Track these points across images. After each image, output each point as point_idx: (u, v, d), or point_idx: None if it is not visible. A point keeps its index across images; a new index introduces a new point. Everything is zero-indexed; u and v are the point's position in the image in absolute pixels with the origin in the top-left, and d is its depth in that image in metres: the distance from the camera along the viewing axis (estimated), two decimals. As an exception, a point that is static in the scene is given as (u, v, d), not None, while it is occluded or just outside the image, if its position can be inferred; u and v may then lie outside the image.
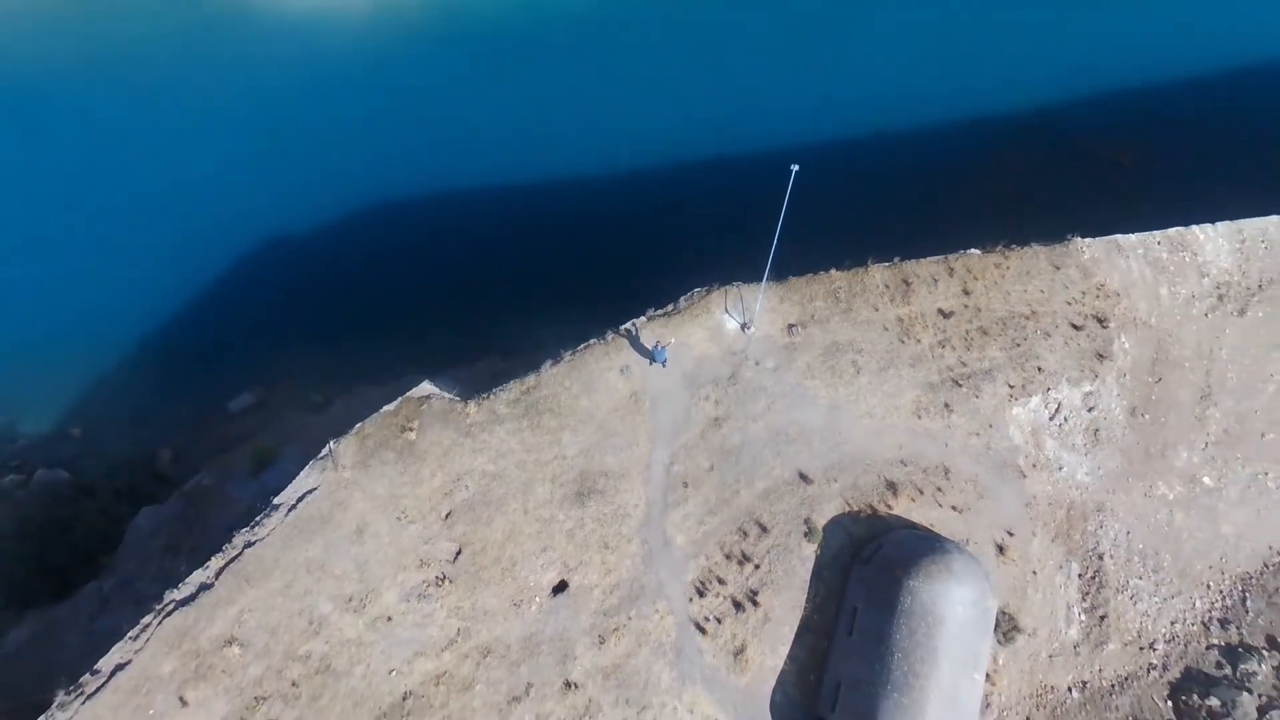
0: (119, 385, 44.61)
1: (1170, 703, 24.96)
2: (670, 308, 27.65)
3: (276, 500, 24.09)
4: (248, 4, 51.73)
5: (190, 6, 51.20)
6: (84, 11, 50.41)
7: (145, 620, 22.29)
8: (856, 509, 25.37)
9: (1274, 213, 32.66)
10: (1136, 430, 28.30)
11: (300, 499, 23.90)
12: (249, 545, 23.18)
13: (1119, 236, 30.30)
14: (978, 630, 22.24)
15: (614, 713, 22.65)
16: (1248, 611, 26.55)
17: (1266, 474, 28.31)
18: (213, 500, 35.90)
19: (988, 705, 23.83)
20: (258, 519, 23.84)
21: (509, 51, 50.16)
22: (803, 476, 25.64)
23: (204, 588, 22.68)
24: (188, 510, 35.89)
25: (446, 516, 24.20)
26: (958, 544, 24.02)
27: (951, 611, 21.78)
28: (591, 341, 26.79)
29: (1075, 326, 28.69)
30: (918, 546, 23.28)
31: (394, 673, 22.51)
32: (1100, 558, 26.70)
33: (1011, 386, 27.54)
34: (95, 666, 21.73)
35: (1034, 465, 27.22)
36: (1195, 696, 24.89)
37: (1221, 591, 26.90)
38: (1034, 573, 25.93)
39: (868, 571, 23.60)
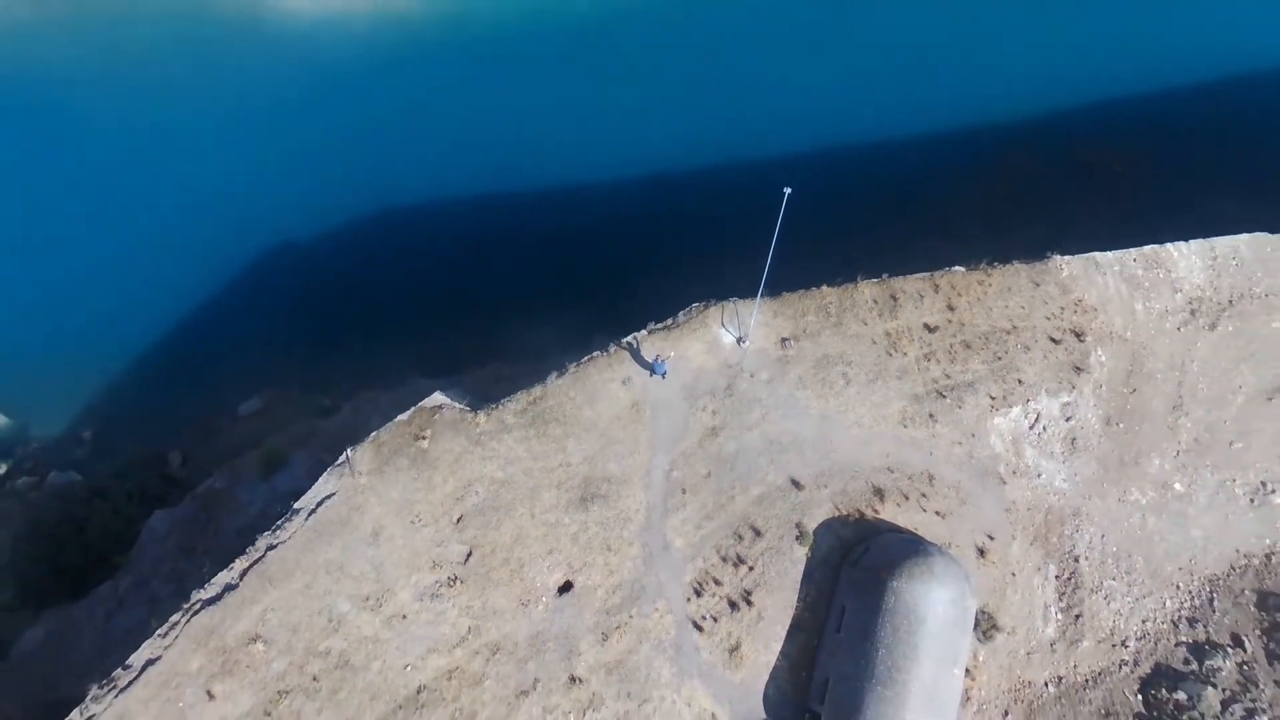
0: (129, 389, 45.62)
1: (1140, 696, 26.46)
2: (670, 322, 29.03)
3: (297, 505, 25.38)
4: (254, 14, 52.70)
5: (198, 16, 52.10)
6: (94, 20, 51.31)
7: (174, 618, 23.55)
8: (845, 514, 26.80)
9: (1259, 222, 34.22)
10: (1112, 439, 29.80)
11: (319, 504, 25.20)
12: (271, 548, 24.47)
13: (1096, 254, 31.80)
14: (957, 628, 23.71)
15: (616, 706, 24.03)
16: (1214, 611, 28.07)
17: (1234, 480, 29.85)
18: (224, 503, 37.01)
19: (968, 699, 25.29)
20: (279, 523, 25.12)
21: (511, 61, 51.25)
22: (795, 483, 27.06)
23: (229, 588, 23.96)
24: (200, 513, 36.97)
25: (458, 521, 25.53)
26: (940, 547, 25.48)
27: (932, 611, 23.24)
28: (595, 354, 28.14)
29: (1054, 340, 30.19)
30: (902, 549, 24.74)
31: (409, 668, 23.82)
32: (1076, 560, 28.20)
33: (993, 398, 29.01)
34: (127, 662, 22.98)
35: (1014, 472, 28.69)
36: (1164, 691, 26.40)
37: (1190, 592, 28.41)
38: (1013, 574, 27.41)
39: (855, 573, 25.04)
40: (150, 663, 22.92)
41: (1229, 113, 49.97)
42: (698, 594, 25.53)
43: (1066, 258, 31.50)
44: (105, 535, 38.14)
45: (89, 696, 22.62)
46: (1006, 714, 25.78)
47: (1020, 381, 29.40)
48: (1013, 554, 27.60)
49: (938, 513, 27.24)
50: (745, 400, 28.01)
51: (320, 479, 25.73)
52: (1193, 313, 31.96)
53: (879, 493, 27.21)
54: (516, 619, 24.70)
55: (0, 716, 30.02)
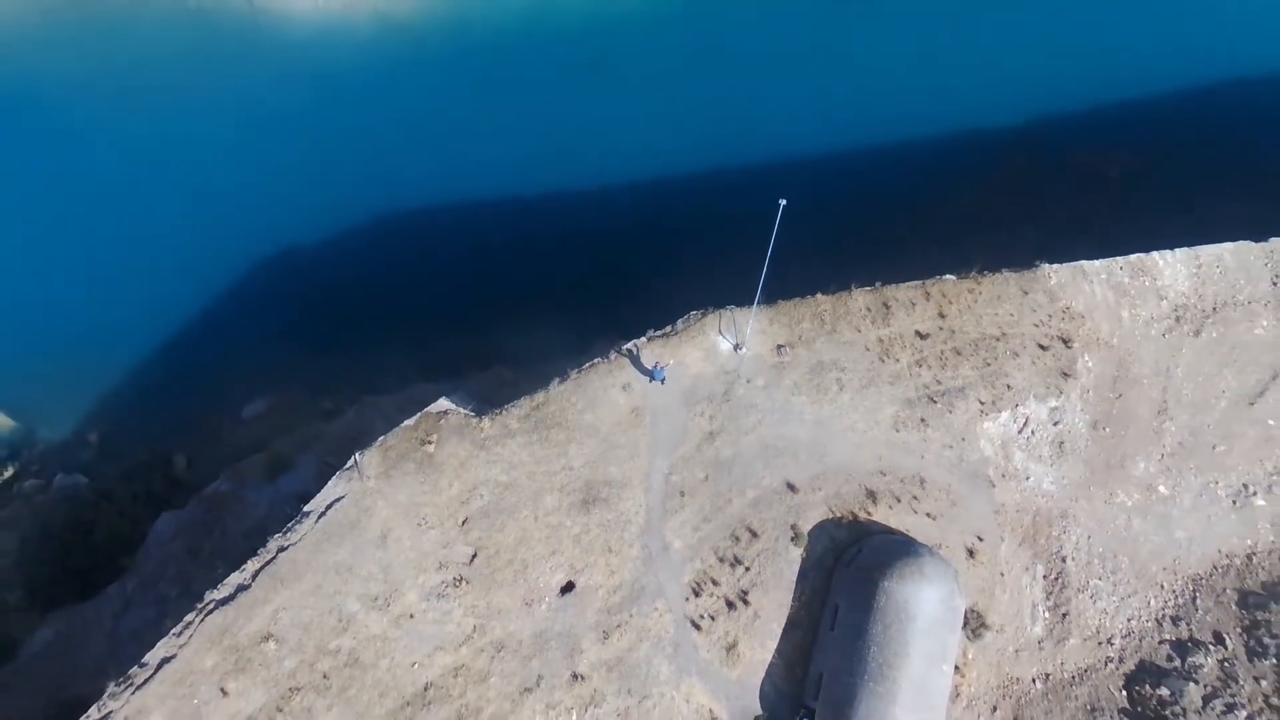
0: (134, 392, 46.19)
1: (1125, 693, 27.31)
2: (669, 329, 29.82)
3: (306, 508, 26.13)
4: (258, 22, 53.35)
5: (203, 24, 52.74)
6: (101, 29, 51.94)
7: (188, 618, 24.29)
8: (839, 515, 27.60)
9: (1255, 225, 35.07)
10: (1098, 443, 30.65)
11: (329, 506, 25.94)
12: (282, 549, 25.21)
13: (1084, 262, 32.65)
14: (946, 626, 24.53)
15: (617, 702, 24.80)
16: (1197, 609, 28.93)
17: (1217, 483, 30.72)
18: (230, 505, 37.65)
19: (958, 695, 26.11)
20: (290, 525, 25.87)
21: (512, 68, 51.95)
22: (790, 486, 27.86)
23: (242, 588, 24.69)
24: (206, 515, 37.59)
25: (463, 523, 26.29)
26: (930, 548, 26.31)
27: (922, 609, 24.06)
28: (596, 360, 28.92)
29: (1042, 347, 31.03)
30: (893, 550, 25.56)
31: (416, 665, 24.57)
32: (1063, 560, 29.04)
33: (983, 403, 29.84)
34: (143, 660, 23.70)
35: (1003, 475, 29.53)
36: (1147, 687, 27.26)
37: (1174, 591, 29.27)
38: (1002, 574, 28.24)
39: (848, 573, 25.86)
40: (165, 661, 23.65)
41: (1222, 116, 50.84)
42: (696, 594, 26.31)
43: (1055, 266, 32.34)
44: (112, 537, 38.71)
45: (106, 693, 23.33)
46: (995, 710, 26.62)
47: (1009, 387, 30.24)
48: (1001, 554, 28.43)
49: (929, 514, 28.06)
50: (742, 406, 28.81)
51: (329, 483, 26.48)
52: (1178, 319, 32.82)
53: (872, 495, 28.02)
54: (520, 618, 25.46)
55: (14, 715, 30.64)
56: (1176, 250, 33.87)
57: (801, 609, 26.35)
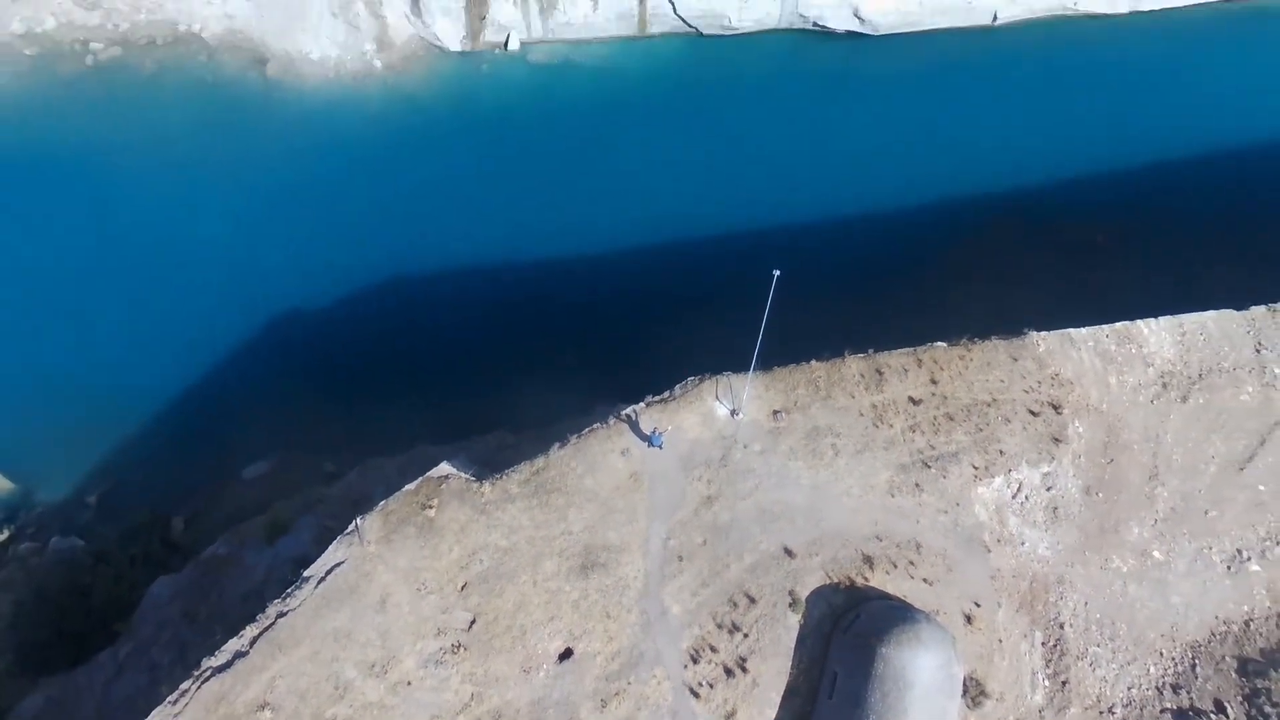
0: (135, 453, 46.34)
1: (1128, 764, 27.07)
2: (667, 394, 30.47)
3: (306, 572, 26.29)
4: (270, 95, 55.36)
5: (219, 96, 54.70)
6: (123, 101, 53.84)
7: (184, 685, 24.21)
8: (836, 581, 27.76)
9: (1239, 293, 36.04)
10: (1092, 508, 31.00)
11: (329, 571, 26.11)
12: (281, 615, 25.28)
13: (1071, 330, 33.53)
14: (944, 693, 24.49)
15: (615, 773, 24.57)
16: (1197, 677, 28.85)
17: (1210, 548, 30.96)
18: (228, 569, 37.59)
19: (959, 766, 25.87)
20: (289, 590, 25.98)
21: (515, 140, 53.81)
22: (787, 551, 28.09)
23: (239, 655, 24.67)
24: (203, 578, 37.48)
25: (462, 588, 26.43)
26: (927, 614, 26.41)
27: (919, 676, 24.08)
28: (596, 425, 29.47)
29: (1033, 412, 31.65)
30: (891, 616, 25.67)
31: (412, 735, 24.41)
32: (1061, 627, 29.08)
33: (976, 468, 30.29)
34: (138, 728, 23.55)
35: (998, 540, 29.79)
36: (1150, 758, 27.04)
37: (1173, 658, 29.24)
38: (1000, 641, 28.25)
39: (847, 639, 25.91)
40: (161, 729, 23.50)
41: (1205, 185, 52.57)
42: (694, 660, 26.29)
43: (1043, 333, 33.20)
44: (108, 601, 38.40)
45: (99, 763, 23.11)
46: (997, 781, 26.34)
47: (1002, 452, 30.73)
48: (999, 621, 28.48)
49: (925, 580, 28.21)
50: (739, 471, 29.25)
51: (330, 547, 26.69)
52: (1165, 386, 33.53)
53: (868, 560, 28.22)
54: (518, 685, 25.38)
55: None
56: (1160, 318, 34.80)
57: (800, 676, 26.29)
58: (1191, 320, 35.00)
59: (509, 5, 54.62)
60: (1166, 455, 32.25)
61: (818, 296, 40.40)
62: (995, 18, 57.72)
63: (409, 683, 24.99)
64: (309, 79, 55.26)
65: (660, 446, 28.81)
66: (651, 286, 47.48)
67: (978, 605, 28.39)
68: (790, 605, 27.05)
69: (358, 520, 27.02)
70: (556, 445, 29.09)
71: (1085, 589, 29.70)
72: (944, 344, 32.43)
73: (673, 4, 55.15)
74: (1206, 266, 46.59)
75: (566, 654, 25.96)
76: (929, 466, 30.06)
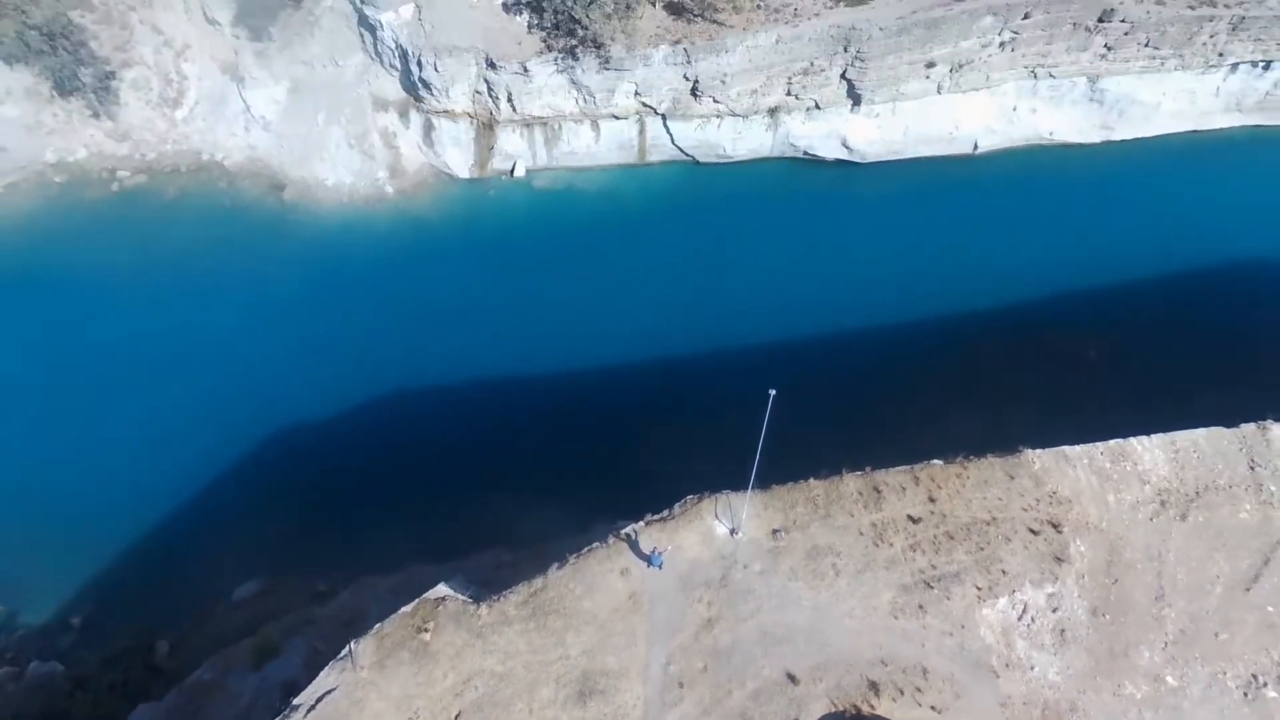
0: (122, 574, 45.52)
1: None
2: (666, 513, 30.43)
3: (296, 700, 25.50)
4: (285, 217, 57.74)
5: (236, 219, 57.06)
6: (138, 222, 56.13)
7: (161, 825, 23.04)
8: (841, 709, 26.88)
9: (1224, 412, 36.44)
10: (1099, 630, 30.36)
11: (319, 699, 25.33)
12: (268, 746, 24.37)
13: (1065, 448, 33.78)
14: (960, 835, 23.32)
15: None
16: (1223, 813, 27.50)
17: (1225, 673, 30.11)
18: (213, 694, 36.44)
19: None
20: (276, 718, 25.12)
21: (515, 260, 55.81)
22: (790, 677, 27.34)
23: (221, 791, 23.63)
24: (186, 704, 36.31)
25: (456, 716, 25.58)
26: (938, 746, 25.48)
27: (932, 815, 23.02)
28: (594, 545, 29.29)
29: (1033, 531, 31.52)
30: (899, 749, 24.78)
31: None
32: (1078, 759, 27.94)
33: (979, 588, 29.89)
34: None
35: (1007, 665, 29.02)
36: None
37: (1197, 793, 27.93)
38: (1015, 775, 27.10)
39: (854, 774, 24.91)
40: None
41: (1196, 301, 54.15)
42: (696, 797, 25.16)
43: (1037, 451, 33.45)
44: (86, 731, 37.03)
45: None
46: None
47: (1004, 572, 30.40)
48: (1013, 753, 27.41)
49: (933, 708, 27.35)
50: (739, 591, 28.86)
51: (321, 673, 26.01)
52: (1163, 504, 33.51)
53: (874, 686, 27.43)
54: (511, 825, 24.19)
55: None
56: (1153, 435, 35.12)
57: (807, 814, 25.09)
58: (1183, 438, 35.31)
59: (516, 136, 58.05)
60: (1171, 575, 31.87)
61: (813, 413, 40.89)
62: (976, 146, 61.23)
63: (397, 822, 23.84)
64: (324, 202, 57.96)
65: (660, 566, 28.57)
66: (649, 403, 48.14)
67: (989, 735, 27.42)
68: (795, 735, 26.13)
69: (352, 644, 26.46)
70: (555, 565, 28.83)
71: (1099, 717, 28.68)
72: (940, 461, 32.66)
73: (671, 135, 58.59)
74: (1197, 382, 47.44)
75: (563, 789, 24.87)
76: (931, 587, 29.68)
